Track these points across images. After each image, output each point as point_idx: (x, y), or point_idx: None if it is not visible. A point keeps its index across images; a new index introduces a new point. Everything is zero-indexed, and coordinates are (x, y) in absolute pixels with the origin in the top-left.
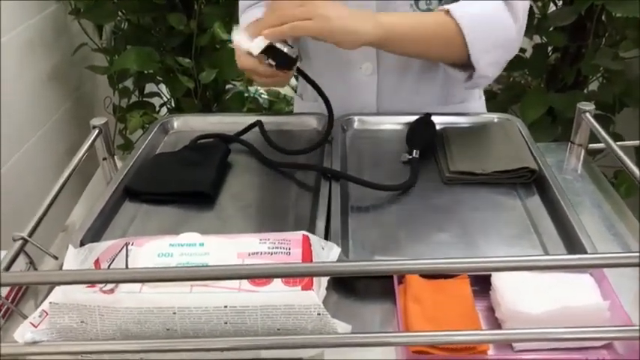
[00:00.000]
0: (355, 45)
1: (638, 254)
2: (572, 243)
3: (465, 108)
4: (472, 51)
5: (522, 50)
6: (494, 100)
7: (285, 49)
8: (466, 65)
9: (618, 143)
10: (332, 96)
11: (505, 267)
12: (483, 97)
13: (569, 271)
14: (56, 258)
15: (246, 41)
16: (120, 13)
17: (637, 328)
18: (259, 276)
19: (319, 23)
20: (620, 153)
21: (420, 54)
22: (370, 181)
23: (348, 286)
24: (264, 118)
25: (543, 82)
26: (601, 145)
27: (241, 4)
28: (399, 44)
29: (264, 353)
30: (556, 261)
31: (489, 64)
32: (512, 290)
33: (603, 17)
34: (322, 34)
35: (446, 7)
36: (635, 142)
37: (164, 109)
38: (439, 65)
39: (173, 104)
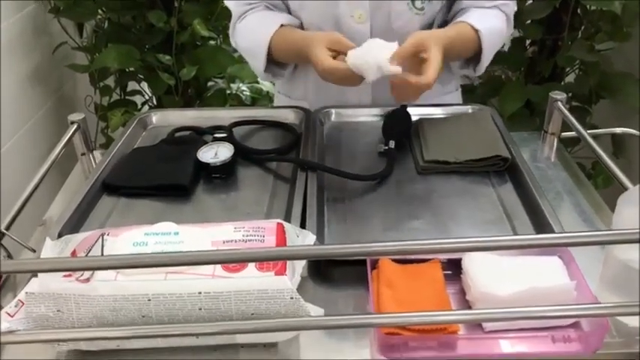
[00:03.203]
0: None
1: (638, 230)
2: (542, 228)
3: (451, 98)
4: (483, 60)
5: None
6: (473, 93)
7: None
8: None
9: (590, 131)
10: (330, 90)
11: (471, 247)
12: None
13: (539, 253)
14: (34, 251)
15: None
16: (100, 12)
17: (602, 305)
18: (232, 261)
19: None
20: (590, 140)
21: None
22: (346, 171)
23: (323, 275)
24: (242, 112)
25: (522, 76)
26: (573, 134)
27: (234, 10)
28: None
29: (239, 338)
30: (526, 240)
31: (486, 66)
32: (482, 273)
33: (579, 10)
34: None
35: (474, 24)
36: (607, 130)
37: (146, 107)
38: None
39: (155, 102)
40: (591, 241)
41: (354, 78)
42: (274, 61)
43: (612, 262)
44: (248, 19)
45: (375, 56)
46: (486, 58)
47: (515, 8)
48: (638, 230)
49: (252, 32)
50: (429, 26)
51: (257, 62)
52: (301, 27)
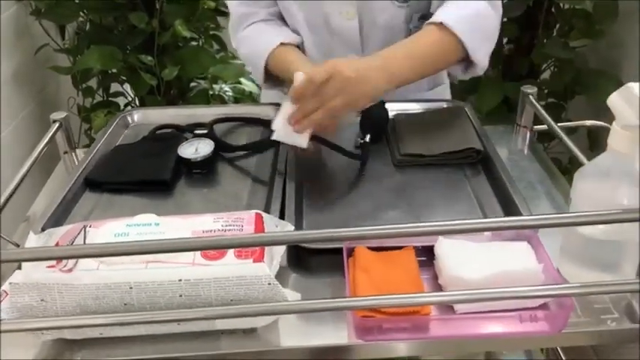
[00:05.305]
0: (371, 99)
1: (638, 209)
2: (513, 215)
3: (442, 90)
4: (471, 50)
5: None
6: (451, 90)
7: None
8: (461, 59)
9: (560, 124)
10: None
11: (443, 230)
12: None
13: (509, 239)
14: (17, 245)
15: (292, 136)
16: (81, 13)
17: (568, 285)
18: (210, 247)
19: (351, 105)
20: (559, 131)
21: (433, 73)
22: (333, 143)
23: (302, 264)
24: (222, 110)
25: (499, 73)
26: (545, 127)
27: (234, 11)
28: (409, 81)
29: (219, 324)
30: (494, 223)
31: (485, 55)
32: (453, 258)
33: (553, 9)
34: (354, 110)
35: (438, 19)
36: (577, 123)
37: (128, 109)
38: None
39: (137, 103)
40: (557, 222)
41: None
42: (273, 76)
43: (572, 235)
44: (249, 30)
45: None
46: (472, 44)
47: None
48: (600, 212)
49: (252, 46)
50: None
51: (257, 75)
52: (302, 44)
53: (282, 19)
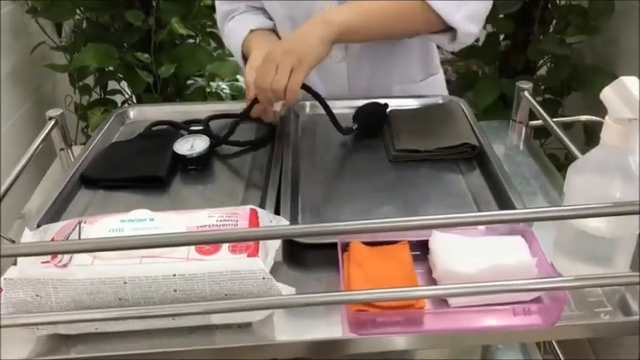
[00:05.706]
0: (316, 49)
1: (638, 202)
2: (508, 209)
3: (434, 80)
4: (442, 13)
5: (475, 39)
6: (448, 87)
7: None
8: (445, 29)
9: (555, 119)
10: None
11: (436, 224)
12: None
13: (504, 233)
14: (13, 242)
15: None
16: (78, 11)
17: (562, 279)
18: (204, 242)
19: (299, 65)
20: (554, 125)
21: (391, 34)
22: (328, 105)
23: (297, 260)
24: (218, 106)
25: (496, 70)
26: (540, 122)
27: (218, 10)
28: (362, 32)
29: (213, 318)
30: (487, 217)
31: (465, 18)
32: (447, 252)
33: (549, 5)
34: (306, 67)
35: None
36: (572, 118)
37: (125, 106)
38: (410, 45)
39: (134, 101)
40: (549, 216)
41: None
42: None
43: (566, 229)
44: (231, 24)
45: None
46: (441, 5)
47: None
48: (594, 205)
49: (232, 38)
50: None
51: (241, 66)
52: (274, 28)
53: (262, 9)
